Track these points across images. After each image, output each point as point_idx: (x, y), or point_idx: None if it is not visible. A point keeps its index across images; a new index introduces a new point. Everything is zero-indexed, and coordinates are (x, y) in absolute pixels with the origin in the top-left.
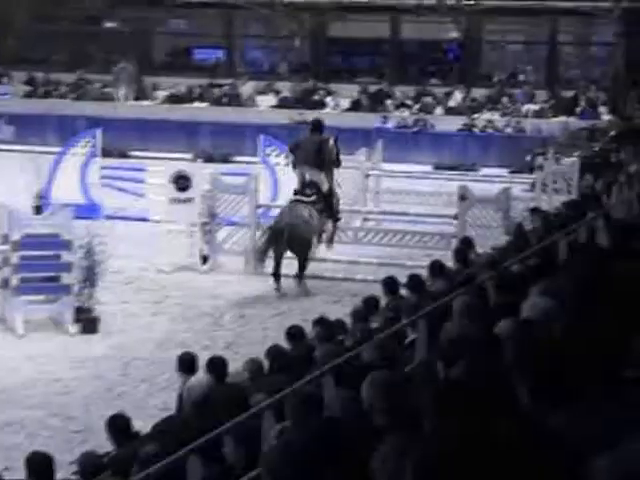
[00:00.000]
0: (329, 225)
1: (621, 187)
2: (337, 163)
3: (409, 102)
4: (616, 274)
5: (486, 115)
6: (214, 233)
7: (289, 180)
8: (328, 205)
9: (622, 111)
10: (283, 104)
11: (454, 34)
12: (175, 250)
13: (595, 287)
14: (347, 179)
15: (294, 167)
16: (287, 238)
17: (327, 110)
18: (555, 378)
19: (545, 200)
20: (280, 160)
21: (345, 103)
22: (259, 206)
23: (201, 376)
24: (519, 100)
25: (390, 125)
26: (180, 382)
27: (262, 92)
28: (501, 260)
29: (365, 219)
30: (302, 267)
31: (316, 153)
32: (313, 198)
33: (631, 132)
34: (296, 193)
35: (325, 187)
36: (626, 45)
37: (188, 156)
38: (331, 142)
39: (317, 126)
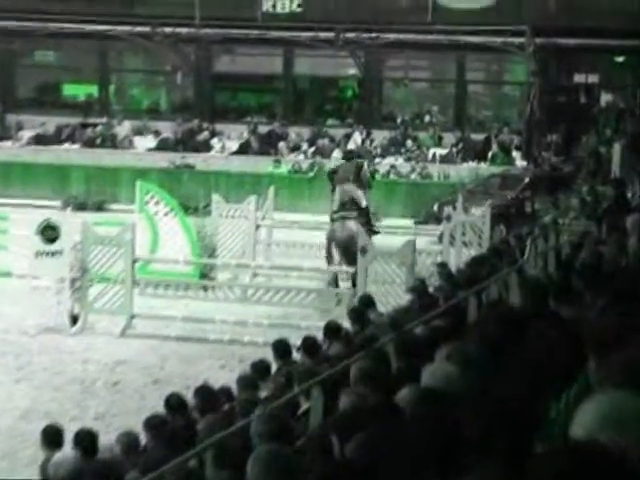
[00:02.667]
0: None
1: (536, 240)
2: (369, 185)
3: (304, 145)
4: (529, 338)
5: (389, 160)
6: (85, 290)
7: (170, 230)
8: (368, 219)
9: (536, 157)
10: (164, 146)
11: (352, 70)
12: (41, 309)
13: (505, 352)
14: (235, 230)
15: (333, 189)
16: (344, 251)
17: (212, 153)
18: (454, 457)
19: (453, 254)
20: (160, 208)
21: (233, 145)
22: (136, 260)
23: (68, 451)
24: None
25: (283, 170)
26: (44, 458)
27: (140, 133)
28: (404, 321)
29: (255, 274)
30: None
31: (355, 174)
32: (355, 214)
33: (547, 180)
34: (337, 211)
35: (364, 203)
36: (541, 85)
37: (56, 204)
38: (365, 166)
39: (351, 155)
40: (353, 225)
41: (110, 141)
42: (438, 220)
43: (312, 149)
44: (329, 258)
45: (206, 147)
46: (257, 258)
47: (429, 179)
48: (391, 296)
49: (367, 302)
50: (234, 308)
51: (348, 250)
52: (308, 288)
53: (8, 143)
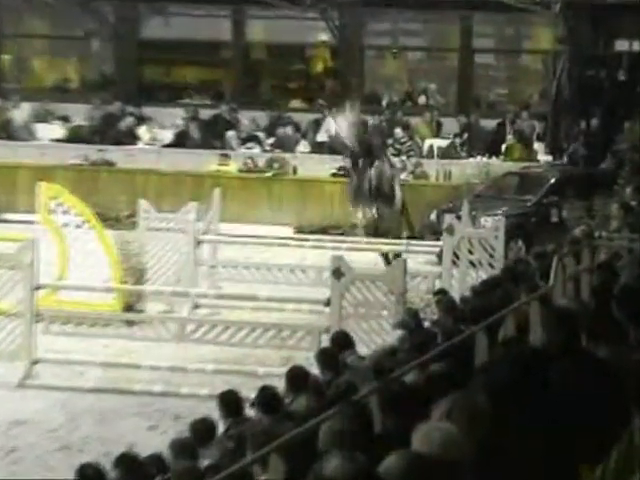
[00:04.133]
0: None
1: (564, 259)
2: None
3: (260, 134)
4: (556, 387)
5: None
6: None
7: (84, 248)
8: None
9: (565, 149)
10: (74, 137)
11: (324, 36)
12: None
13: (524, 406)
14: (169, 247)
15: None
16: None
17: (140, 146)
18: None
19: (456, 277)
20: (70, 219)
21: (166, 135)
22: (38, 287)
23: None
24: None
25: (232, 168)
26: None
27: (43, 119)
28: (391, 365)
29: (196, 306)
30: None
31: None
32: None
33: (579, 180)
34: None
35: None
36: (571, 54)
37: None
38: None
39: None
40: None
41: (3, 130)
42: (436, 233)
43: (271, 140)
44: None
45: (131, 138)
46: (199, 284)
47: (424, 179)
48: (374, 333)
49: (342, 341)
50: (168, 349)
51: None
52: (266, 323)
53: None
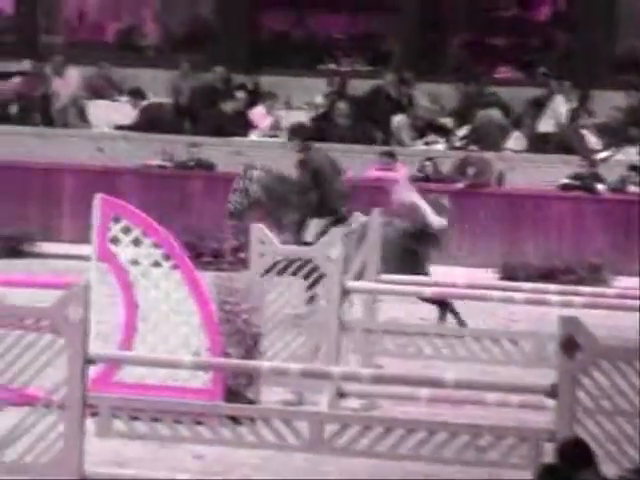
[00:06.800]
0: None
1: None
2: None
3: (446, 121)
4: None
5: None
6: None
7: (162, 297)
8: None
9: None
10: (152, 122)
11: None
12: None
13: None
14: (297, 299)
15: None
16: None
17: (255, 137)
18: None
19: None
20: (144, 252)
21: (297, 121)
22: (92, 360)
23: None
24: None
25: (400, 174)
26: None
27: (100, 94)
28: None
29: (340, 394)
30: None
31: None
32: None
33: None
34: None
35: None
36: None
37: None
38: None
39: None
40: None
41: (39, 110)
42: None
43: (463, 131)
44: None
45: (240, 124)
46: (346, 359)
47: None
48: (628, 442)
49: (577, 454)
50: (298, 462)
51: None
52: (454, 423)
53: None
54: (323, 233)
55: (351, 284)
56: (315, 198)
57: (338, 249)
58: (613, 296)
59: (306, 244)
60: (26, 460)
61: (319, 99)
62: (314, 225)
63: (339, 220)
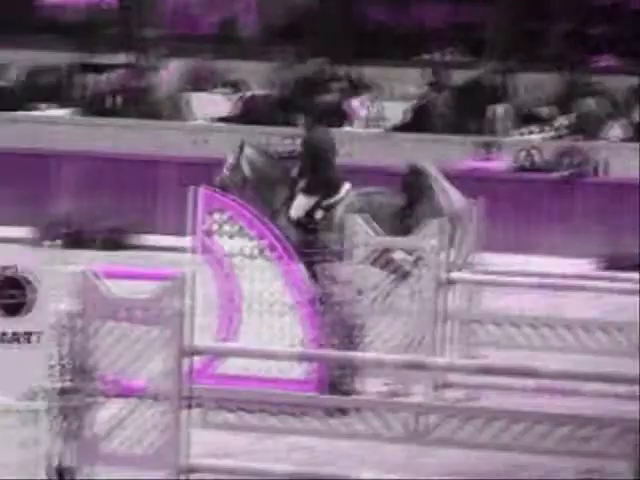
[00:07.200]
0: None
1: None
2: None
3: (547, 110)
4: None
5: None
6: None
7: (260, 289)
8: None
9: None
10: (250, 114)
11: None
12: None
13: None
14: (396, 289)
15: None
16: None
17: (354, 128)
18: None
19: None
20: (244, 244)
21: (396, 112)
22: (193, 352)
23: None
24: None
25: (500, 164)
26: None
27: (201, 86)
28: None
29: (440, 384)
30: None
31: None
32: None
33: None
34: None
35: None
36: None
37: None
38: None
39: None
40: None
41: (143, 102)
42: None
43: (564, 120)
44: None
45: (339, 115)
46: (445, 350)
47: None
48: None
49: None
50: (396, 455)
51: None
52: (556, 413)
53: None
54: (312, 211)
55: (452, 275)
56: (309, 177)
57: (437, 239)
58: None
59: (290, 221)
60: (128, 451)
61: (416, 90)
62: (301, 202)
63: (326, 197)
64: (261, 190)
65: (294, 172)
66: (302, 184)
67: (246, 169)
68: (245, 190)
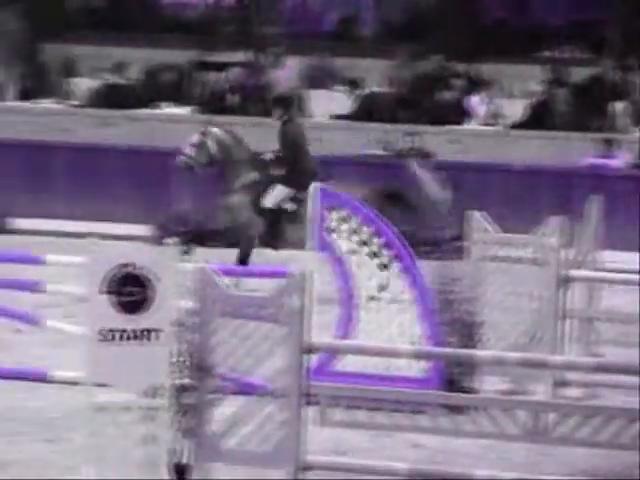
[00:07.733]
0: None
1: None
2: None
3: None
4: None
5: None
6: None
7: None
8: None
9: None
10: (368, 112)
11: None
12: None
13: None
14: (514, 287)
15: None
16: None
17: (472, 125)
18: None
19: None
20: (363, 241)
21: (515, 110)
22: (311, 349)
23: None
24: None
25: (619, 162)
26: None
27: (319, 84)
28: None
29: (560, 382)
30: None
31: None
32: None
33: None
34: None
35: None
36: None
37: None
38: None
39: None
40: None
41: (262, 101)
42: None
43: None
44: None
45: (458, 113)
46: (565, 348)
47: None
48: None
49: None
50: (518, 453)
51: None
52: None
53: None
54: (287, 201)
55: (572, 272)
56: (289, 169)
57: (558, 237)
58: None
59: (263, 209)
60: (246, 449)
61: (536, 87)
62: (278, 191)
63: (300, 191)
64: (227, 168)
65: (267, 156)
66: (281, 175)
67: (213, 148)
68: (211, 169)
